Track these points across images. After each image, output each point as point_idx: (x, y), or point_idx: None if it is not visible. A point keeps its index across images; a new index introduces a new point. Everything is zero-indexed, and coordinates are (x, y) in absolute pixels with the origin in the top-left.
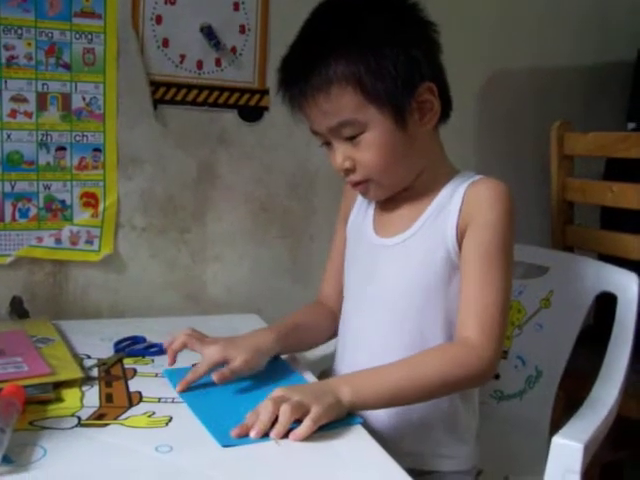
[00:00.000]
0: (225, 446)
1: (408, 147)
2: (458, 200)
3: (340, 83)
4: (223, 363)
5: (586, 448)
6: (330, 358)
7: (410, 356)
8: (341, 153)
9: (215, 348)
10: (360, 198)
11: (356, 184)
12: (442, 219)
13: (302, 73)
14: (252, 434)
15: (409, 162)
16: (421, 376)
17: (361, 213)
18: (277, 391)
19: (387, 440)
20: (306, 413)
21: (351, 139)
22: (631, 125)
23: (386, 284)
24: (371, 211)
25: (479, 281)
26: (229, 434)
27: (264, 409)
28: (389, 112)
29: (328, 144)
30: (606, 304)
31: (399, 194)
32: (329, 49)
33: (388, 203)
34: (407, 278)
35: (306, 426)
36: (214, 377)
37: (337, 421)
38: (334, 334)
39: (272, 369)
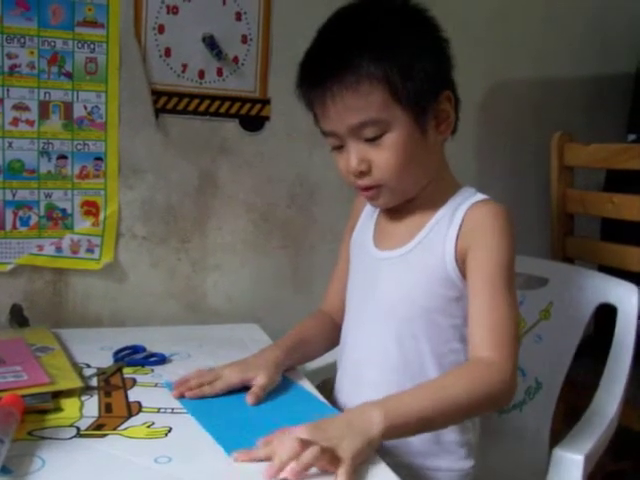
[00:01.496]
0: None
1: (424, 154)
2: (458, 221)
3: (370, 80)
4: (241, 387)
5: (587, 459)
6: (330, 368)
7: (435, 378)
8: (357, 155)
9: (233, 370)
10: (365, 213)
11: (367, 189)
12: (441, 238)
13: (332, 69)
14: (268, 472)
15: (422, 169)
16: (451, 398)
17: (364, 228)
18: (303, 431)
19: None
20: (333, 461)
21: (371, 140)
22: (631, 136)
23: (385, 299)
24: (372, 224)
25: (487, 304)
26: (234, 443)
27: (287, 446)
28: (413, 114)
29: (339, 148)
30: (606, 315)
31: (402, 205)
32: (361, 47)
33: (390, 215)
34: (405, 294)
35: None
36: (249, 399)
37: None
38: (337, 344)
39: None
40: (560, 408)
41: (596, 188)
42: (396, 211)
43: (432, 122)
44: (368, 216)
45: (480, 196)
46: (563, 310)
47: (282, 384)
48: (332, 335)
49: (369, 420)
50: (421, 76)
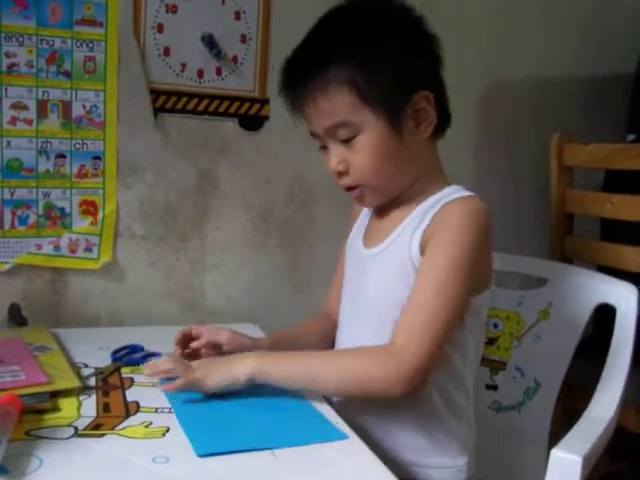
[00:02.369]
0: (200, 456)
1: (402, 153)
2: (430, 216)
3: (337, 84)
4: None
5: (585, 460)
6: None
7: (330, 351)
8: (335, 155)
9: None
10: (361, 215)
11: (349, 189)
12: (411, 232)
13: (303, 73)
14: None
15: (403, 169)
16: (327, 368)
17: (358, 228)
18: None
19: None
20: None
21: (346, 142)
22: (630, 137)
23: (368, 295)
24: (363, 225)
25: (422, 289)
26: (208, 444)
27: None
28: (383, 116)
29: (325, 148)
30: (605, 315)
31: (389, 203)
32: (329, 51)
33: (377, 213)
34: (384, 291)
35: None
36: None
37: (321, 436)
38: (333, 344)
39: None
40: (559, 409)
41: (595, 188)
42: (383, 209)
43: (410, 122)
44: (364, 216)
45: (463, 193)
46: (562, 310)
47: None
48: (329, 333)
49: (242, 363)
50: (389, 78)
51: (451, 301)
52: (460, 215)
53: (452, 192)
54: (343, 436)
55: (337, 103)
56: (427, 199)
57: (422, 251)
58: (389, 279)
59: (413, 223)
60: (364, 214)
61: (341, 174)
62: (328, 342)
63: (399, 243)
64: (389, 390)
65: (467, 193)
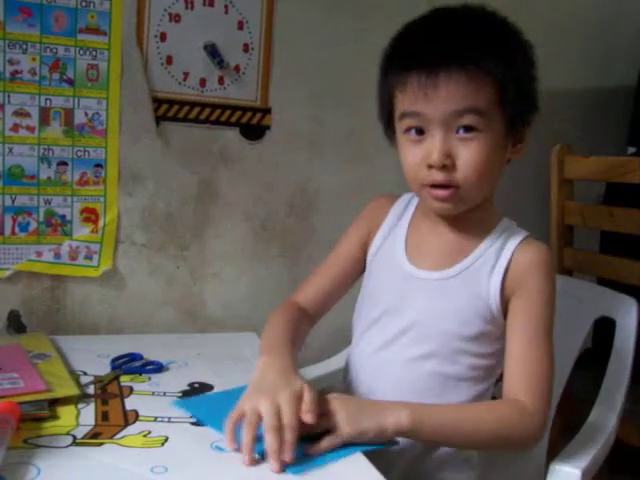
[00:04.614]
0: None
1: (498, 167)
2: (505, 259)
3: (488, 74)
4: None
5: (584, 474)
6: (327, 378)
7: (468, 404)
8: (444, 146)
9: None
10: (387, 223)
11: (442, 187)
12: (486, 272)
13: (454, 52)
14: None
15: (491, 182)
16: (477, 424)
17: (390, 239)
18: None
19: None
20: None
21: (464, 131)
22: (631, 149)
23: (416, 320)
24: (402, 237)
25: (528, 348)
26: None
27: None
28: (508, 123)
29: (419, 132)
30: (605, 328)
31: (444, 222)
32: (484, 42)
33: (428, 231)
34: (440, 320)
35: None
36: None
37: (334, 452)
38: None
39: None
40: (558, 421)
41: (596, 200)
42: (435, 228)
43: (512, 140)
44: (391, 226)
45: (522, 231)
46: (562, 322)
47: None
48: (307, 330)
49: (396, 418)
50: (527, 91)
51: (552, 353)
52: (544, 269)
53: (513, 227)
54: (355, 450)
55: (481, 90)
56: (493, 230)
57: (503, 295)
58: (448, 309)
59: (488, 258)
60: (390, 223)
61: (444, 168)
62: (304, 339)
63: (474, 274)
64: (525, 447)
65: (524, 231)
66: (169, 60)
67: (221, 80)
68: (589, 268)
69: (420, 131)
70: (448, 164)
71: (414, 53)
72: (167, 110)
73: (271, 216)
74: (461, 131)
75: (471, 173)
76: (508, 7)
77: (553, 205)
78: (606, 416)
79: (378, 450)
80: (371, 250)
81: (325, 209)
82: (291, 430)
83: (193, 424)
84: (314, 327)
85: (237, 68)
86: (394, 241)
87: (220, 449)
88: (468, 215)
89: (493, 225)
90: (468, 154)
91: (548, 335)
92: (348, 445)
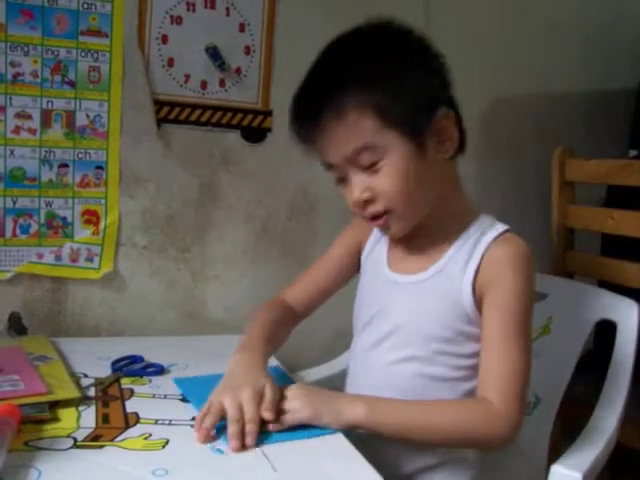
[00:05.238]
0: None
1: (426, 174)
2: (479, 255)
3: (357, 108)
4: None
5: (585, 477)
6: (331, 379)
7: (432, 400)
8: (358, 184)
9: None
10: (373, 236)
11: (375, 218)
12: (458, 273)
13: (317, 103)
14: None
15: (426, 191)
16: (437, 419)
17: (377, 247)
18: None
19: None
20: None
21: (369, 167)
22: (633, 152)
23: (398, 323)
24: (384, 245)
25: (502, 346)
26: None
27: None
28: (408, 137)
29: (342, 180)
30: (606, 331)
31: (416, 231)
32: (345, 77)
33: (403, 240)
34: (420, 324)
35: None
36: (267, 415)
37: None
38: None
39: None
40: (559, 424)
41: (597, 203)
42: (410, 236)
43: (432, 141)
44: (376, 239)
45: (500, 227)
46: (562, 325)
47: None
48: (289, 328)
49: (352, 408)
50: (410, 97)
51: (528, 351)
52: (516, 263)
53: (489, 224)
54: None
55: (358, 129)
56: (466, 230)
57: (475, 294)
58: (425, 310)
59: (460, 258)
60: (376, 237)
61: (367, 203)
62: (288, 337)
63: (447, 276)
64: (490, 447)
65: (503, 226)
66: (170, 62)
67: (222, 82)
68: (590, 271)
69: (342, 178)
70: (368, 198)
71: (296, 111)
72: (168, 112)
73: (272, 218)
74: (366, 166)
75: (393, 197)
76: (510, 11)
77: (554, 208)
78: (607, 419)
79: (373, 449)
80: (364, 252)
81: (326, 211)
82: (252, 422)
83: (193, 427)
84: (316, 328)
85: (238, 70)
86: (381, 247)
87: (221, 452)
88: (430, 223)
89: (467, 224)
90: (381, 184)
91: (522, 331)
92: (309, 427)
